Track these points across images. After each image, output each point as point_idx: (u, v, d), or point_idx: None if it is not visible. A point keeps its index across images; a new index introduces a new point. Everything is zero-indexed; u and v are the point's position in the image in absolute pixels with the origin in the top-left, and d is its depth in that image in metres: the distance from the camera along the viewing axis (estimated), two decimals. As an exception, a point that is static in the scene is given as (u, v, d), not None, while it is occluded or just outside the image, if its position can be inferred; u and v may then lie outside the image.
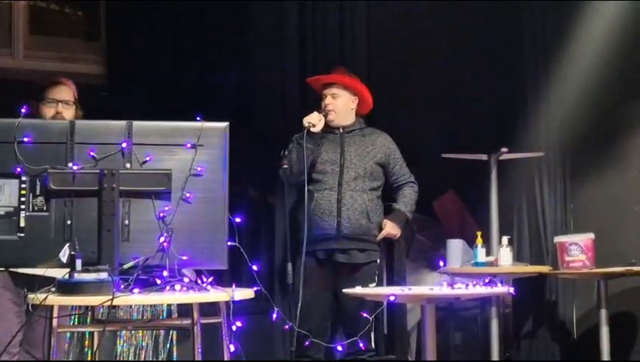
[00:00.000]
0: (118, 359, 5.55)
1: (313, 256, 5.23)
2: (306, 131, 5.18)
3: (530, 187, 6.84)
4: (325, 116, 5.32)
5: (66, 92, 4.62)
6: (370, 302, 4.98)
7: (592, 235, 5.98)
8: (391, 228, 5.35)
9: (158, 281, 3.46)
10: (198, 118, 3.63)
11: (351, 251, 5.25)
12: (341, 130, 5.41)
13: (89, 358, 5.15)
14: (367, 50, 6.81)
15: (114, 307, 3.49)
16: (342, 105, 5.43)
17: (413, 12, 6.78)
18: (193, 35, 6.66)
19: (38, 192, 3.44)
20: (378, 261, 5.36)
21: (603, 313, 5.91)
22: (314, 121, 5.23)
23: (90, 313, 4.18)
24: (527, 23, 6.93)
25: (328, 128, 5.39)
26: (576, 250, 5.95)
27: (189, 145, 3.57)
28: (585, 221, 6.58)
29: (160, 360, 5.60)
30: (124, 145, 3.51)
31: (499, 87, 6.84)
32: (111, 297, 3.28)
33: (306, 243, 5.10)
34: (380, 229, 5.36)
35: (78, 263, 3.34)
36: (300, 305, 4.91)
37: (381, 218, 5.40)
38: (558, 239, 6.15)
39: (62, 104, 4.56)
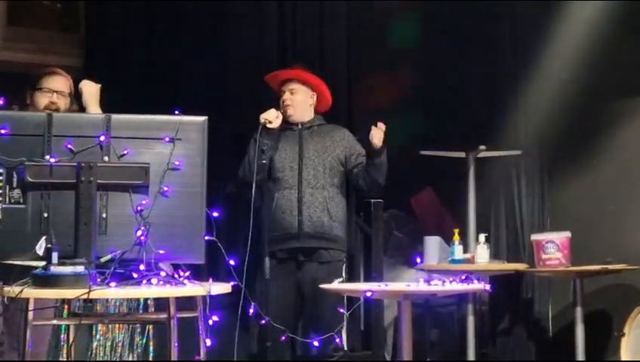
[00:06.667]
0: (93, 353, 5.53)
1: (274, 256, 5.18)
2: (261, 127, 5.13)
3: (507, 185, 6.86)
4: (284, 113, 5.28)
5: (61, 83, 4.61)
6: (336, 300, 4.96)
7: (568, 233, 6.00)
8: (376, 132, 5.11)
9: (135, 275, 3.45)
10: (176, 112, 3.62)
11: (314, 250, 5.20)
12: (300, 126, 5.36)
13: (64, 351, 5.13)
14: (346, 50, 6.80)
15: (90, 300, 3.48)
16: (300, 100, 5.37)
17: (392, 12, 6.78)
18: (172, 29, 6.64)
19: (14, 185, 3.42)
20: (344, 259, 5.28)
21: (578, 311, 5.95)
22: (270, 117, 5.17)
23: (66, 306, 4.16)
24: (505, 22, 6.95)
25: (287, 125, 5.34)
26: (553, 247, 5.97)
27: (167, 138, 3.56)
28: (562, 219, 6.61)
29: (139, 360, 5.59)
30: (102, 138, 3.50)
31: (477, 86, 6.86)
32: (87, 290, 3.27)
33: (267, 243, 5.07)
34: (343, 227, 5.29)
35: (55, 256, 3.33)
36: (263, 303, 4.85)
37: (343, 215, 5.32)
38: (534, 237, 6.18)
39: (57, 94, 4.55)
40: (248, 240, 4.72)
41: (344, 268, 5.25)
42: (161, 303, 3.84)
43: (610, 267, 5.85)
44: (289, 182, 5.21)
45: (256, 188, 5.00)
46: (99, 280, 3.38)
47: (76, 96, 4.62)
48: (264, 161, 5.06)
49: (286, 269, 5.20)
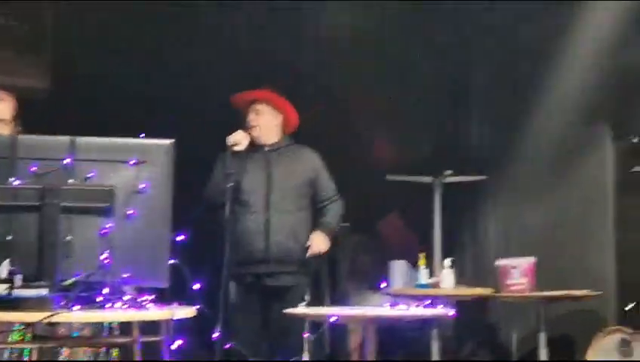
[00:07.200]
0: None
1: (241, 279, 5.17)
2: (228, 150, 5.12)
3: (473, 210, 6.91)
4: (250, 134, 5.25)
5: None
6: (302, 324, 4.96)
7: (532, 259, 6.04)
8: (316, 246, 5.25)
9: (99, 298, 3.43)
10: (142, 135, 3.62)
11: (279, 274, 5.18)
12: (267, 149, 5.36)
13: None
14: (319, 75, 6.81)
15: (54, 324, 3.46)
16: (266, 121, 5.36)
17: (361, 35, 6.82)
18: (140, 50, 6.62)
19: (-22, 207, 3.40)
20: (309, 283, 5.27)
21: (542, 336, 5.97)
22: (238, 139, 5.17)
23: (29, 329, 4.13)
24: (472, 47, 7.01)
25: (254, 147, 5.33)
26: (517, 273, 6.00)
27: (133, 161, 3.56)
28: (526, 244, 6.65)
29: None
30: (67, 160, 3.49)
31: (444, 111, 6.91)
32: (50, 314, 3.25)
33: (233, 266, 5.07)
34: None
35: (18, 279, 3.31)
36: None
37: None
38: (499, 262, 6.21)
39: None
40: (214, 263, 4.71)
41: (308, 291, 5.24)
42: (126, 327, 3.83)
43: (573, 293, 5.89)
44: (256, 206, 5.20)
45: (221, 211, 4.99)
46: (62, 303, 3.36)
47: (21, 117, 4.53)
48: (230, 184, 5.04)
49: (251, 293, 5.20)
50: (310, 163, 5.35)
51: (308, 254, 5.20)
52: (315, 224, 5.36)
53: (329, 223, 5.33)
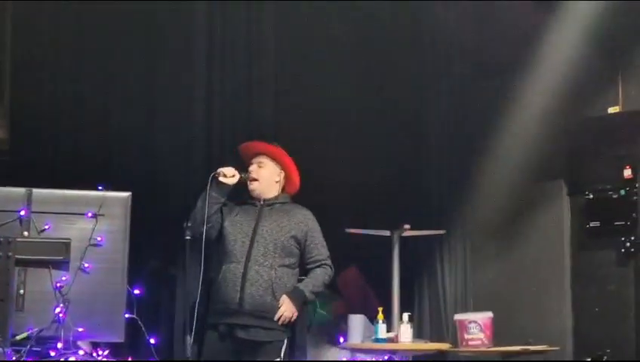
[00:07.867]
0: None
1: (215, 329, 5.11)
2: (211, 177, 5.07)
3: (431, 264, 6.93)
4: (244, 180, 5.19)
5: None
6: None
7: (490, 314, 6.06)
8: (282, 311, 5.05)
9: (52, 353, 3.39)
10: (100, 188, 3.60)
11: (252, 328, 5.08)
12: (262, 202, 5.31)
13: None
14: (274, 132, 6.83)
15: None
16: (267, 175, 5.30)
17: (318, 89, 6.88)
18: (98, 101, 6.60)
19: None
20: (285, 340, 5.17)
21: (500, 391, 5.99)
22: (227, 172, 5.12)
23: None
24: (430, 102, 7.09)
25: (250, 200, 5.28)
26: (475, 328, 6.02)
27: (90, 214, 3.53)
28: (484, 299, 6.67)
29: None
30: (22, 212, 3.46)
31: (403, 165, 6.95)
32: (1, 369, 3.20)
33: (209, 316, 5.01)
34: None
35: (-31, 333, 3.26)
36: None
37: None
38: (458, 317, 6.23)
39: None
40: (172, 317, 4.65)
41: (284, 349, 5.13)
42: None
43: (531, 347, 5.91)
44: (237, 257, 5.11)
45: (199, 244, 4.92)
46: (14, 358, 3.31)
47: None
48: (213, 211, 5.00)
49: (223, 343, 5.11)
50: (300, 221, 5.24)
51: (275, 318, 5.10)
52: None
53: (301, 290, 5.18)
